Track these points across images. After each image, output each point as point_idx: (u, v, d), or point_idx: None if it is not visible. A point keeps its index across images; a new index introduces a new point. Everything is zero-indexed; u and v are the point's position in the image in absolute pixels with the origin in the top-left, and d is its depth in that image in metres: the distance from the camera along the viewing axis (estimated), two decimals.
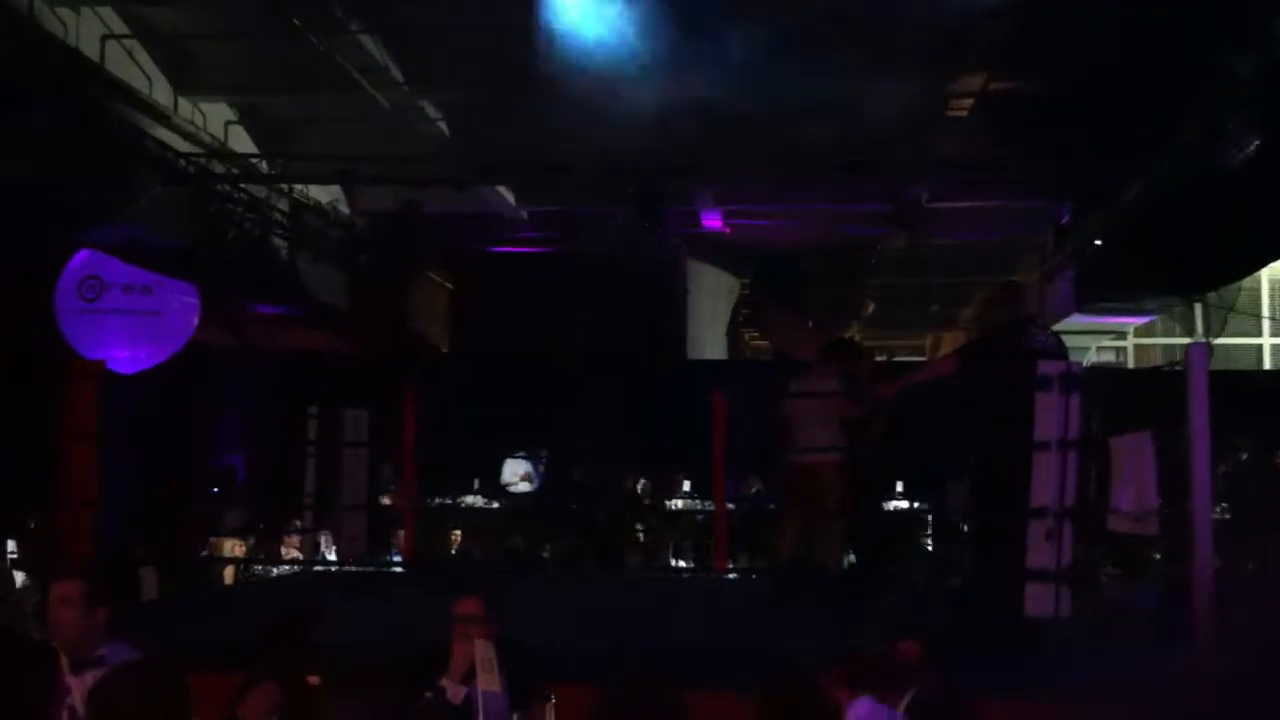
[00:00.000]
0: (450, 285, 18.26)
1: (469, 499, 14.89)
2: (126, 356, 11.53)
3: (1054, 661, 5.93)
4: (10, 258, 11.52)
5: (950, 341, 20.12)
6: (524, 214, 15.54)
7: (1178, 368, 6.10)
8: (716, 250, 17.63)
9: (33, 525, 10.38)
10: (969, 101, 11.47)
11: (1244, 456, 12.05)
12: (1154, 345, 18.02)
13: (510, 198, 14.94)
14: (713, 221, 15.69)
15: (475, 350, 17.28)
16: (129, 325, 11.72)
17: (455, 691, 4.79)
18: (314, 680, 5.05)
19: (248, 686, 4.55)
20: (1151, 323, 17.27)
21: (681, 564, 12.80)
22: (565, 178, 12.67)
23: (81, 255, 11.79)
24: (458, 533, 12.94)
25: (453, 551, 12.94)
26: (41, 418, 8.65)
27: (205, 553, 11.58)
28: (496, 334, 16.16)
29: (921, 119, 11.62)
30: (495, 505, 14.86)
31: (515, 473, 15.25)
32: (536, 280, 15.95)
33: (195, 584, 10.62)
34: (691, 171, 12.63)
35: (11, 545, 10.04)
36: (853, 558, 9.06)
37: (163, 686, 3.45)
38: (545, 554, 13.45)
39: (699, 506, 13.74)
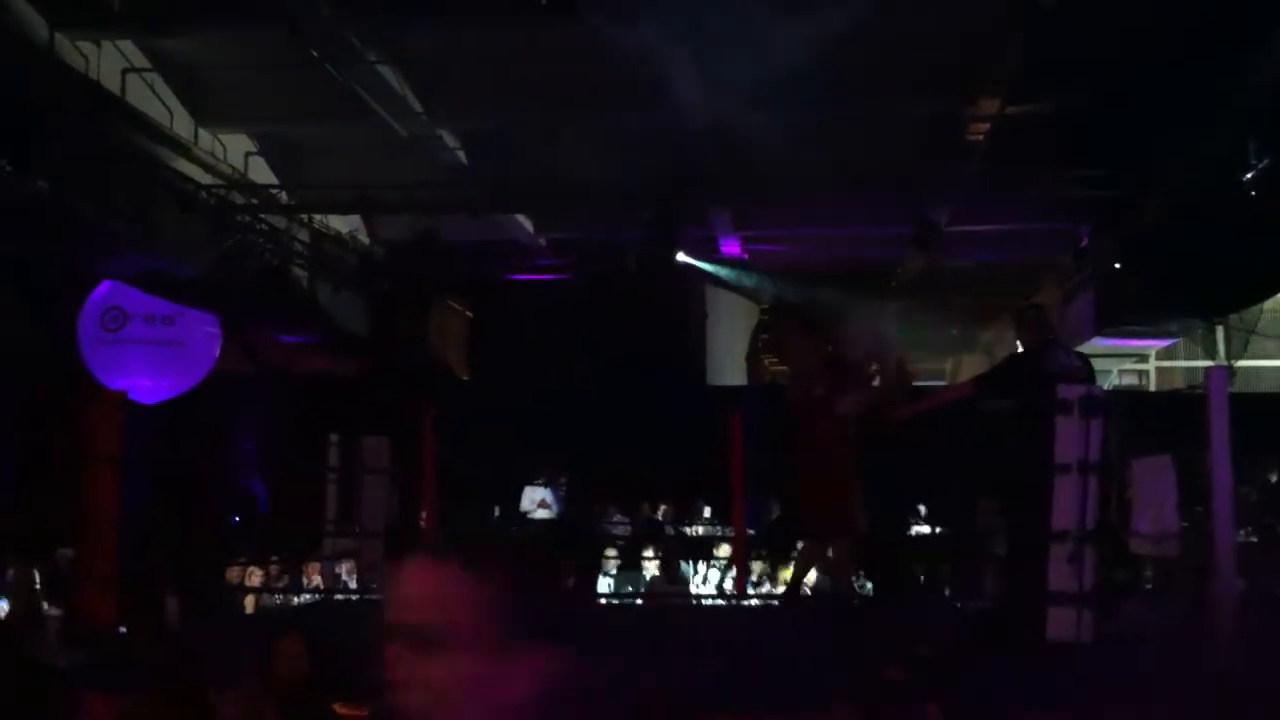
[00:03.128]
0: (469, 312, 18.30)
1: None
2: (149, 386, 11.60)
3: (1074, 681, 5.89)
4: (34, 289, 11.61)
5: (971, 364, 20.05)
6: (542, 241, 15.59)
7: (1199, 391, 6.08)
8: (735, 275, 17.64)
9: (61, 553, 10.41)
10: (986, 125, 11.47)
11: (1274, 479, 11.94)
12: (1176, 368, 17.91)
13: (528, 225, 14.98)
14: (731, 246, 15.70)
15: (494, 377, 17.30)
16: (151, 355, 11.80)
17: None
18: (345, 710, 5.08)
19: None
20: (1174, 346, 17.18)
21: (702, 590, 12.76)
22: (583, 204, 12.72)
23: (104, 286, 11.88)
24: None
25: None
26: (65, 447, 8.70)
27: (226, 580, 11.59)
28: (515, 361, 16.18)
29: (940, 142, 11.64)
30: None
31: (534, 500, 15.24)
32: (555, 307, 15.97)
33: (216, 611, 10.62)
34: (709, 196, 12.66)
35: (37, 574, 10.07)
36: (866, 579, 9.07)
37: (185, 708, 3.46)
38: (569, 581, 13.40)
39: (719, 532, 13.71)
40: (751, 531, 10.58)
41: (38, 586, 9.82)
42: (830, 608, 8.83)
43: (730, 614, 9.43)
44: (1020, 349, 7.08)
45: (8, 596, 9.87)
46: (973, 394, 7.13)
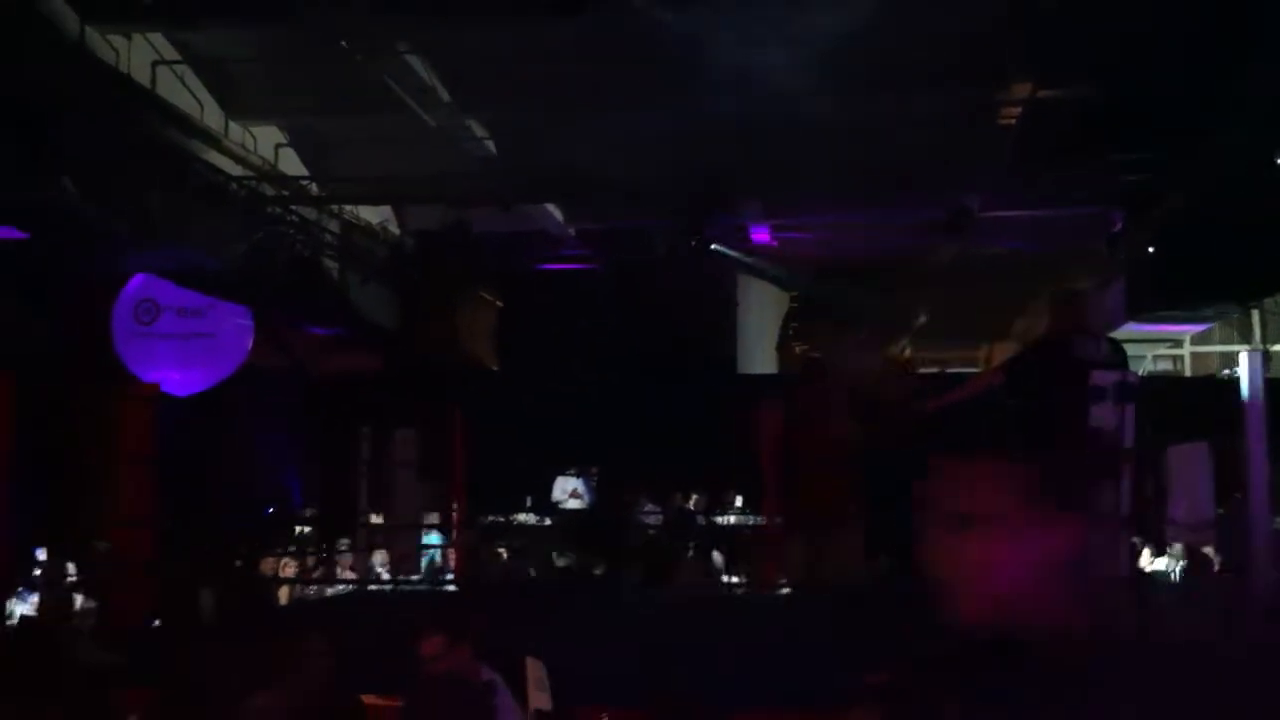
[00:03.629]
0: (499, 303, 18.31)
1: (520, 517, 14.93)
2: (181, 379, 11.68)
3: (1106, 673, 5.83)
4: (67, 283, 11.70)
5: (1003, 353, 19.92)
6: (572, 231, 15.57)
7: (1234, 376, 6.01)
8: (766, 264, 17.58)
9: (95, 546, 10.49)
10: (1017, 110, 11.37)
11: None
12: (1211, 353, 17.75)
13: (558, 215, 14.97)
14: (761, 235, 15.64)
15: (524, 367, 17.32)
16: (183, 348, 11.89)
17: None
18: (375, 701, 5.10)
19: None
20: (1208, 330, 17.03)
21: (733, 580, 12.74)
22: (613, 194, 12.69)
23: (136, 280, 11.97)
24: (502, 551, 12.95)
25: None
26: (98, 440, 8.76)
27: (260, 573, 11.66)
28: (546, 351, 16.18)
29: (971, 128, 11.55)
30: (547, 523, 14.89)
31: (566, 490, 15.27)
32: (585, 297, 15.96)
33: (250, 604, 10.68)
34: (740, 185, 12.61)
35: (70, 567, 10.15)
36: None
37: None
38: (597, 571, 13.42)
39: (750, 522, 13.69)
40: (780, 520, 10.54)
41: (70, 579, 9.91)
42: (850, 602, 8.81)
43: (755, 606, 9.40)
44: (1049, 336, 7.00)
45: (38, 590, 9.96)
46: (1001, 382, 7.06)
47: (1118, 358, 6.74)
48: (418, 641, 4.91)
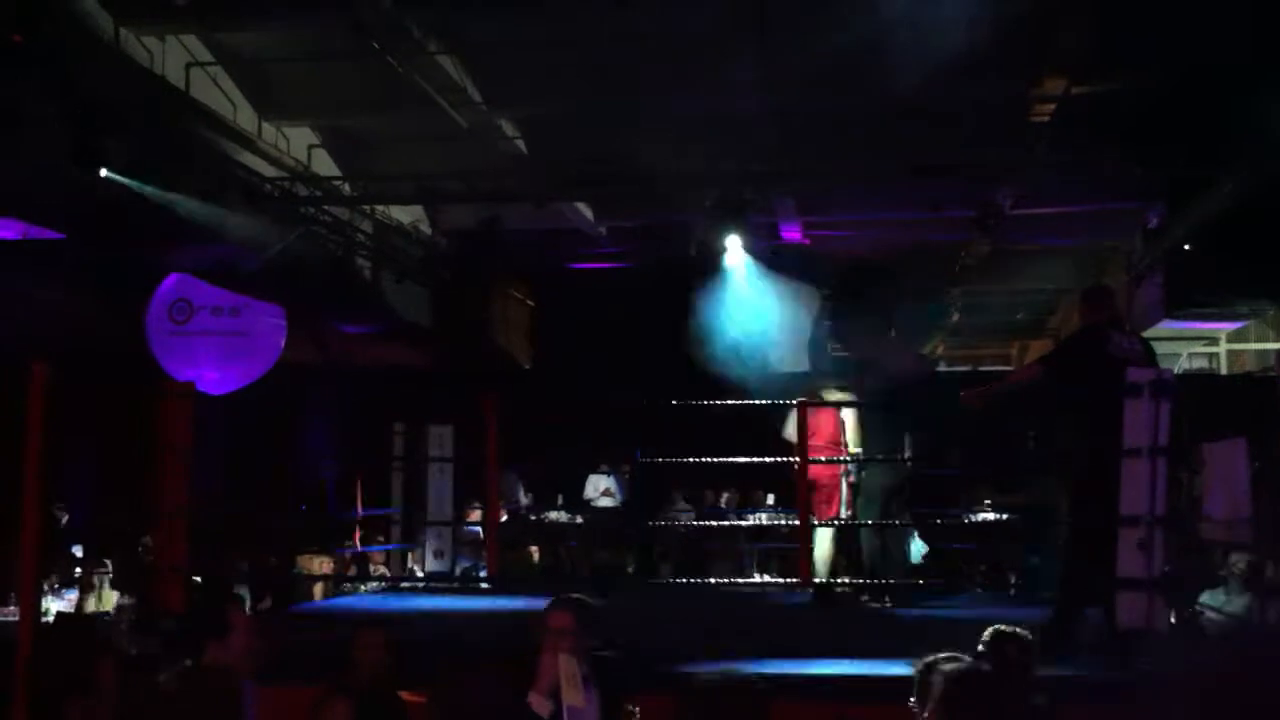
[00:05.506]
0: (531, 301, 18.36)
1: (552, 514, 14.96)
2: (216, 377, 11.77)
3: (1142, 670, 5.81)
4: (103, 282, 11.81)
5: (1037, 349, 19.82)
6: (603, 229, 15.59)
7: (1271, 373, 5.97)
8: (797, 261, 17.55)
9: (138, 543, 10.59)
10: (1052, 106, 11.31)
11: None
12: (1247, 351, 17.61)
13: (589, 213, 14.99)
14: (792, 232, 15.62)
15: (556, 365, 17.35)
16: (219, 346, 11.97)
17: (541, 705, 4.80)
18: (408, 696, 5.13)
19: (321, 703, 4.62)
20: (1244, 328, 16.89)
21: (765, 577, 12.75)
22: (643, 192, 12.69)
23: (172, 279, 12.07)
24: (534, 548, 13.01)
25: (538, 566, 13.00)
26: (135, 438, 8.84)
27: (295, 569, 11.74)
28: (577, 349, 16.22)
29: (1004, 123, 11.49)
30: (579, 520, 14.92)
31: (598, 488, 15.30)
32: (616, 295, 15.98)
33: (286, 599, 10.76)
34: (771, 181, 12.58)
35: (107, 564, 10.24)
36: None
37: (215, 691, 3.49)
38: (630, 568, 13.45)
39: (782, 520, 13.68)
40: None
41: (109, 575, 10.00)
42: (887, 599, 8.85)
43: (790, 601, 9.42)
44: (1083, 329, 6.98)
45: (78, 586, 10.06)
46: (1040, 376, 7.05)
47: (1145, 355, 6.72)
48: (549, 613, 4.96)
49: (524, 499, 15.09)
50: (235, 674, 4.47)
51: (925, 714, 3.71)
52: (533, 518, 14.73)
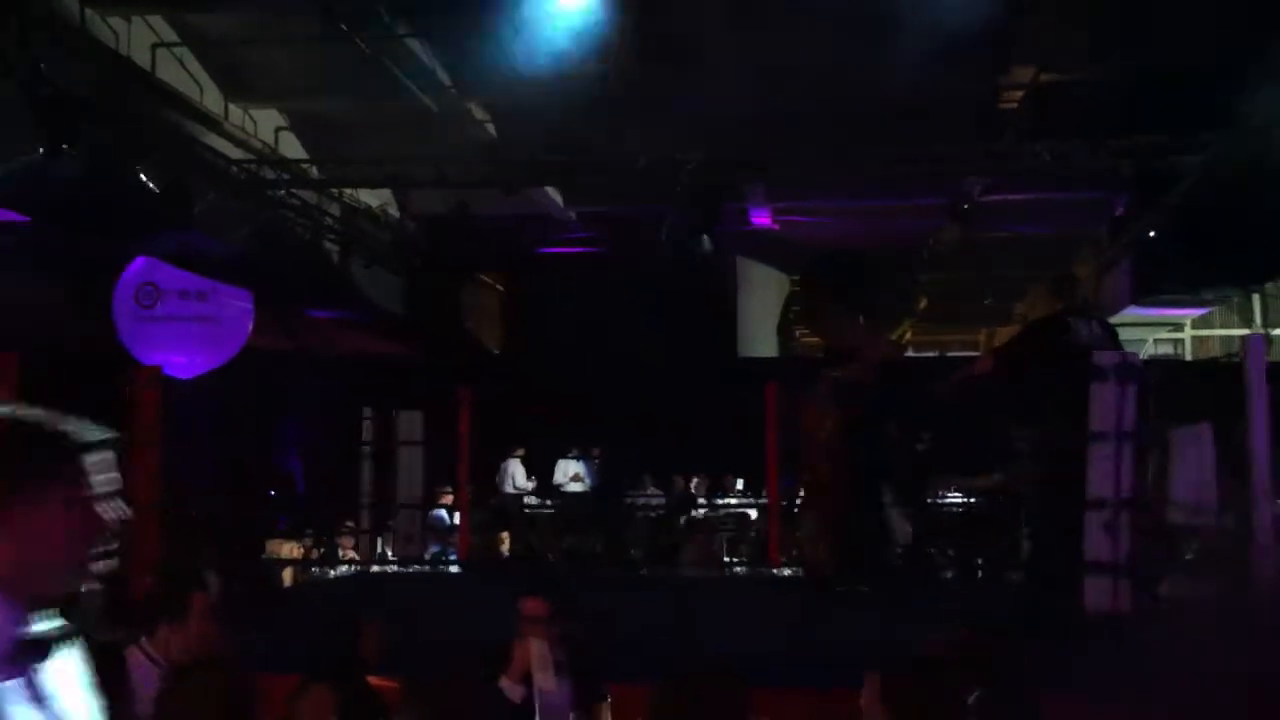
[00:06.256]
0: (501, 287, 18.32)
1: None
2: (184, 362, 11.69)
3: (1110, 656, 5.86)
4: (69, 266, 11.69)
5: (1004, 335, 19.96)
6: (573, 215, 15.57)
7: (1236, 359, 6.03)
8: (766, 247, 17.58)
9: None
10: (1020, 94, 11.37)
11: None
12: (1212, 336, 17.78)
13: (559, 199, 14.97)
14: (762, 219, 15.65)
15: (527, 351, 17.34)
16: (186, 331, 11.88)
17: (514, 691, 4.81)
18: (379, 682, 5.12)
19: (301, 690, 4.61)
20: (1209, 314, 17.05)
21: (735, 560, 12.78)
22: (613, 178, 12.67)
23: (138, 263, 11.96)
24: (505, 534, 13.03)
25: (505, 552, 13.01)
26: (105, 422, 8.77)
27: (264, 555, 11.70)
28: (547, 335, 16.21)
29: (974, 112, 11.54)
30: (549, 506, 14.93)
31: (567, 473, 15.30)
32: (586, 280, 15.98)
33: (255, 586, 10.72)
34: (741, 168, 12.59)
35: None
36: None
37: (229, 685, 3.48)
38: (598, 552, 13.45)
39: (752, 504, 13.73)
40: (784, 503, 10.59)
41: None
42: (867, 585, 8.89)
43: (763, 587, 9.46)
44: (1042, 318, 7.03)
45: None
46: (993, 369, 7.09)
47: (1107, 340, 6.77)
48: (522, 599, 4.96)
49: (527, 483, 15.03)
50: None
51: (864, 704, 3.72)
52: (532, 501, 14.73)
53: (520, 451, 14.66)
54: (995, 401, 7.00)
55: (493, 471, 15.25)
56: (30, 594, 1.85)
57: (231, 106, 11.84)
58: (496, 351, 17.99)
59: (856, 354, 9.10)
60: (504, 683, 4.82)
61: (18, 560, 1.82)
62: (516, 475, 14.85)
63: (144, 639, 4.65)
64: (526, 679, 4.77)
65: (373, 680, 5.23)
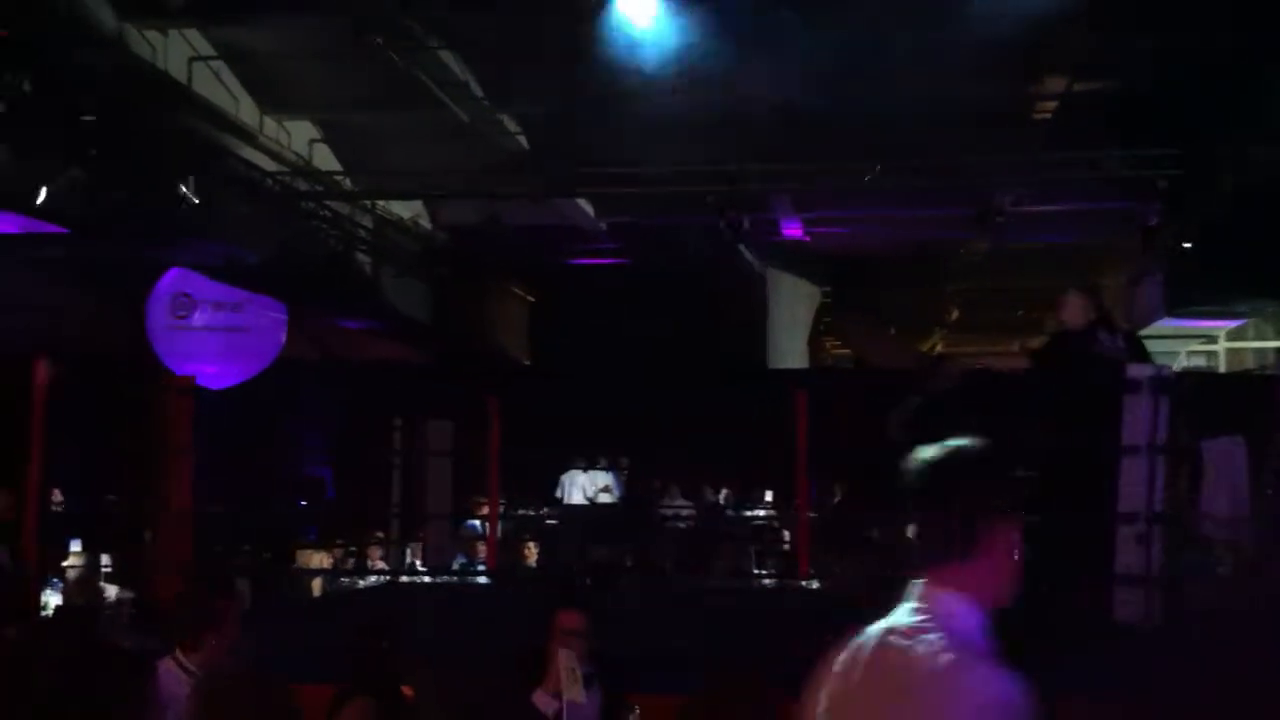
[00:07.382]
0: (531, 298, 18.37)
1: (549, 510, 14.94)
2: (216, 372, 11.77)
3: (1135, 663, 5.82)
4: (104, 277, 11.81)
5: (1035, 347, 19.88)
6: (603, 226, 15.59)
7: (1270, 371, 5.99)
8: (797, 258, 17.56)
9: (145, 537, 10.58)
10: (1052, 104, 11.32)
11: None
12: (1246, 349, 17.63)
13: (589, 210, 15.00)
14: (793, 230, 15.63)
15: (555, 362, 17.37)
16: (219, 341, 11.97)
17: (546, 703, 4.81)
18: (409, 691, 5.14)
19: (341, 702, 4.62)
20: (1243, 326, 16.90)
21: (763, 573, 12.76)
22: (644, 189, 12.69)
23: (172, 273, 12.06)
24: (532, 545, 13.02)
25: (532, 564, 13.01)
26: (134, 433, 8.84)
27: (295, 564, 11.74)
28: (577, 346, 16.23)
29: (1005, 121, 11.50)
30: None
31: (596, 484, 15.29)
32: (616, 292, 15.99)
33: (285, 595, 10.77)
34: (772, 179, 12.60)
35: (105, 559, 10.23)
36: None
37: (273, 699, 3.49)
38: (628, 564, 13.43)
39: (780, 515, 13.68)
40: (813, 515, 10.55)
41: (105, 570, 9.99)
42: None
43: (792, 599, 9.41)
44: (1068, 328, 7.01)
45: (68, 581, 10.05)
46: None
47: (1130, 352, 6.73)
48: (558, 612, 4.97)
49: (605, 494, 14.88)
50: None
51: None
52: (531, 513, 14.70)
53: (583, 463, 14.53)
54: (1018, 408, 6.97)
55: (524, 482, 15.26)
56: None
57: (266, 119, 11.93)
58: (525, 362, 18.04)
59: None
60: (538, 696, 4.82)
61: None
62: (586, 486, 14.73)
63: (178, 650, 4.68)
64: (558, 692, 4.78)
65: (406, 690, 5.26)
